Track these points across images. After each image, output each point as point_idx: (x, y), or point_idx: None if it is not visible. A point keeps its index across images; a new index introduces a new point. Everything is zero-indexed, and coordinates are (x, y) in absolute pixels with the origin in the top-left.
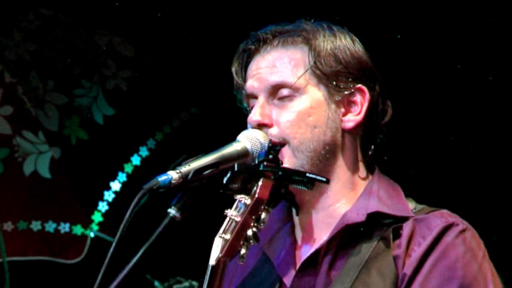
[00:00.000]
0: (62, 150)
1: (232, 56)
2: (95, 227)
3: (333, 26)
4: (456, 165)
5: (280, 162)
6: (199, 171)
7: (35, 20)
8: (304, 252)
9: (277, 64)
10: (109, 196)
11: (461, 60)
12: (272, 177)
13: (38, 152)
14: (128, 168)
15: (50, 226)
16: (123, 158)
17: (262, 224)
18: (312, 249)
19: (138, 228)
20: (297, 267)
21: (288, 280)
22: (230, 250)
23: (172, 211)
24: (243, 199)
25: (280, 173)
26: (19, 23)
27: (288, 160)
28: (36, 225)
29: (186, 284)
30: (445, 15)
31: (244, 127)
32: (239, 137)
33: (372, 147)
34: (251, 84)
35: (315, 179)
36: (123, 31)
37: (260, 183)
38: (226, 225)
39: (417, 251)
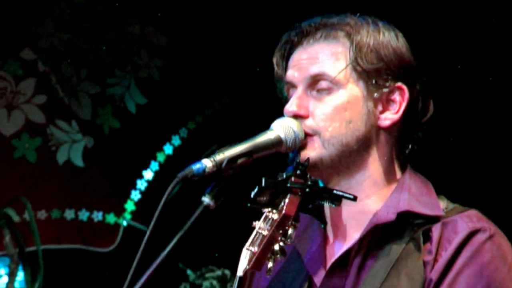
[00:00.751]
0: (95, 139)
1: (264, 46)
2: (127, 215)
3: (378, 21)
4: (488, 160)
5: (309, 176)
6: (233, 159)
7: (67, 9)
8: (335, 251)
9: (318, 56)
10: (141, 184)
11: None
12: (300, 193)
13: (71, 141)
14: (161, 157)
15: (84, 215)
16: (156, 147)
17: (289, 240)
18: (343, 249)
19: (171, 217)
20: (327, 266)
21: (318, 279)
22: (257, 263)
23: (206, 199)
24: (271, 214)
25: (307, 190)
26: (52, 12)
27: (317, 150)
28: (69, 214)
29: (219, 272)
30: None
31: (276, 116)
32: (273, 125)
33: (409, 145)
34: (292, 74)
35: (342, 196)
36: (156, 20)
37: (287, 200)
38: (254, 237)
39: (443, 256)
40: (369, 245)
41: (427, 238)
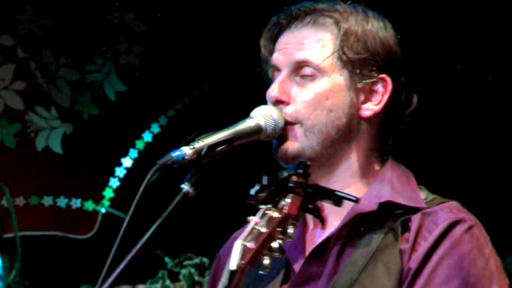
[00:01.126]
0: (74, 126)
1: (244, 34)
2: (106, 203)
3: (368, 10)
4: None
5: (309, 176)
6: (212, 147)
7: None
8: (314, 238)
9: (305, 42)
10: (120, 172)
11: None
12: (302, 193)
13: (50, 127)
14: (140, 144)
15: (62, 202)
16: (135, 134)
17: (289, 239)
18: (323, 236)
19: (150, 204)
20: (306, 253)
21: (297, 266)
22: (253, 259)
23: (185, 186)
24: (270, 211)
25: (310, 190)
26: None
27: (299, 139)
28: (47, 200)
29: (197, 260)
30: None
31: (256, 104)
32: (253, 113)
33: (390, 137)
34: (277, 57)
35: (344, 197)
36: (136, 7)
37: (289, 199)
38: (249, 232)
39: (423, 246)
40: (348, 234)
41: (406, 228)
